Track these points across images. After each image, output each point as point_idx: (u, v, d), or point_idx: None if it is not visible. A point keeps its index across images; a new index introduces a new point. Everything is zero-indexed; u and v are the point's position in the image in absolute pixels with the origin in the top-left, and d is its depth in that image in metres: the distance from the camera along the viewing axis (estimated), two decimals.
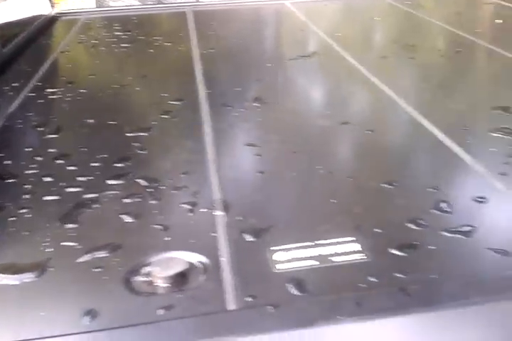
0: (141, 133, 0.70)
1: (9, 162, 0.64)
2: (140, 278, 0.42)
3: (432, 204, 0.51)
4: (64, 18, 1.49)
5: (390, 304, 0.37)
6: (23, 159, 0.64)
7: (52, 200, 0.54)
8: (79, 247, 0.46)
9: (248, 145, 0.65)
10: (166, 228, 0.49)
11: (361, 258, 0.44)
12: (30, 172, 0.61)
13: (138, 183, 0.57)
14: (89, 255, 0.45)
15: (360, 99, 0.82)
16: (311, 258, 0.44)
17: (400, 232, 0.47)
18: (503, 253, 0.44)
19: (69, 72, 1.05)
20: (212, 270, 0.43)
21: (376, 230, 0.48)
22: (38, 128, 0.73)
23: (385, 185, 0.55)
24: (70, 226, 0.50)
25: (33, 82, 0.93)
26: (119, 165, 0.61)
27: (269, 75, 0.91)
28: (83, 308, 0.39)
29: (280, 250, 0.45)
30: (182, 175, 0.59)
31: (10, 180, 0.59)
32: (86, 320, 0.38)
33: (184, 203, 0.53)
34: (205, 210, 0.51)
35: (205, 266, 0.43)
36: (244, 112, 0.75)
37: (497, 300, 0.37)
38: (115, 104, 0.82)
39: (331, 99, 0.81)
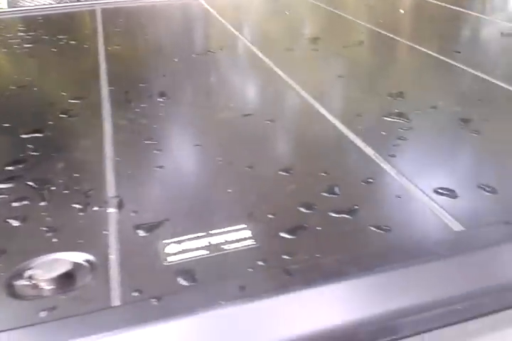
0: (37, 135, 0.67)
1: None
2: (23, 282, 0.41)
3: (323, 188, 0.53)
4: None
5: (271, 285, 0.38)
6: None
7: None
8: None
9: (148, 140, 0.65)
10: (54, 230, 0.47)
11: (251, 244, 0.44)
12: None
13: (28, 186, 0.55)
14: None
15: (264, 91, 0.83)
16: (202, 248, 0.44)
17: (291, 216, 0.49)
18: (384, 229, 0.46)
19: None
20: (100, 268, 0.42)
21: (269, 216, 0.49)
22: None
23: (282, 173, 0.57)
24: None
25: None
26: (10, 168, 0.59)
27: (175, 70, 0.91)
28: None
29: (172, 243, 0.45)
30: (76, 175, 0.57)
31: None
32: None
33: (76, 203, 0.51)
34: (98, 209, 0.50)
35: (92, 265, 0.42)
36: (146, 108, 0.74)
37: (372, 275, 0.39)
38: (11, 105, 0.79)
39: (235, 91, 0.81)
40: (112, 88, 0.82)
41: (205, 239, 0.46)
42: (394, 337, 0.36)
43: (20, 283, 0.40)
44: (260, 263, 0.42)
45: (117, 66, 0.95)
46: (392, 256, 0.41)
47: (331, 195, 0.52)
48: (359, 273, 0.38)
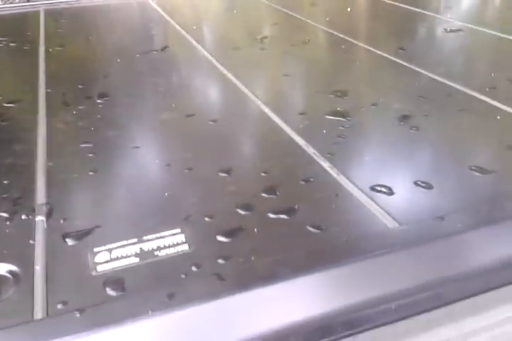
0: None
1: None
2: None
3: (262, 189, 0.52)
4: None
5: (202, 291, 0.37)
6: None
7: None
8: None
9: (84, 143, 0.62)
10: None
11: (186, 249, 0.43)
12: None
13: None
14: None
15: (209, 91, 0.82)
16: (134, 255, 0.43)
17: (229, 219, 0.47)
18: (321, 228, 0.45)
19: None
20: (24, 280, 0.40)
21: (206, 219, 0.48)
22: None
23: (222, 174, 0.56)
24: None
25: None
26: None
27: (117, 71, 0.88)
28: None
29: (102, 251, 0.43)
30: (5, 182, 0.54)
31: None
32: None
33: (3, 211, 0.49)
34: (25, 217, 0.48)
35: (16, 277, 0.40)
36: (84, 110, 0.72)
37: (307, 275, 0.38)
38: None
39: (178, 91, 0.80)
40: (50, 90, 0.79)
41: (138, 245, 0.44)
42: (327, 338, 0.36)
43: None
44: (194, 268, 0.41)
45: (57, 68, 0.91)
46: (325, 256, 0.40)
47: (270, 196, 0.51)
48: (292, 273, 0.37)
